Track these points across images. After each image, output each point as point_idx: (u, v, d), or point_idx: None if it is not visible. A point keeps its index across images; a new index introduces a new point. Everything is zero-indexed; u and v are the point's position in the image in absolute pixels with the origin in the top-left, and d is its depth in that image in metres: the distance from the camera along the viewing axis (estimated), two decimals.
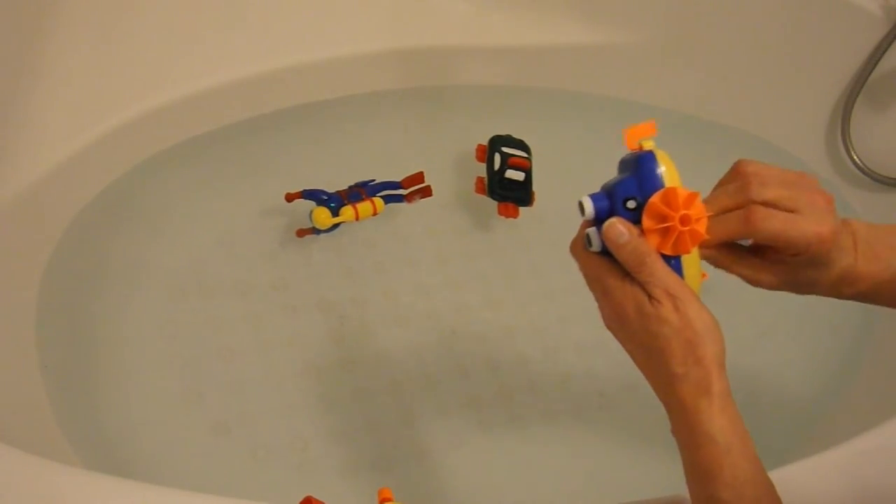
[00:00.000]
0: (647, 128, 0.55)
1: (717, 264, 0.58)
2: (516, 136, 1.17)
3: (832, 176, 1.29)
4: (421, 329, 1.09)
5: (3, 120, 0.96)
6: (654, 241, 0.53)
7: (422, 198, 1.14)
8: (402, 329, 1.09)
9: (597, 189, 0.56)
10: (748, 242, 0.59)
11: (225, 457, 0.95)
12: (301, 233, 1.09)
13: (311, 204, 1.07)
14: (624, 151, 0.57)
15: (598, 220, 0.55)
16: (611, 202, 0.55)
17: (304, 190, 1.07)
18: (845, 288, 0.57)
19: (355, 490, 0.95)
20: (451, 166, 1.21)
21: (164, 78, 1.06)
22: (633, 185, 0.54)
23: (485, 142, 1.17)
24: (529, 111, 1.29)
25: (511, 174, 1.12)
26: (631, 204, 0.54)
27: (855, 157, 1.23)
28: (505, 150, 1.13)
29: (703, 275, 0.56)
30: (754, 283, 0.58)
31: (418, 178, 1.14)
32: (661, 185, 0.53)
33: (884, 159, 1.23)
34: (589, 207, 0.54)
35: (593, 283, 0.56)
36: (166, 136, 1.10)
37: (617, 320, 0.55)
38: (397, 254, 1.15)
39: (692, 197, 0.53)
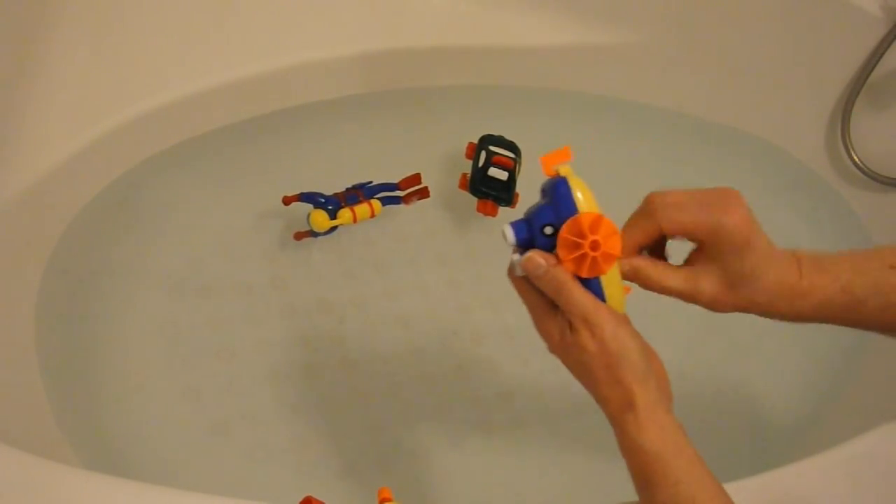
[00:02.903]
0: (561, 154, 0.58)
1: (647, 284, 0.59)
2: (516, 136, 1.17)
3: (832, 176, 1.29)
4: (421, 329, 1.09)
5: (3, 120, 0.96)
6: (570, 267, 0.56)
7: (419, 199, 1.14)
8: (402, 329, 1.09)
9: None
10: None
11: (225, 457, 0.95)
12: (299, 235, 1.09)
13: (308, 206, 1.07)
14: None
15: (522, 247, 0.58)
16: (530, 230, 0.57)
17: (302, 193, 1.07)
18: (797, 301, 0.57)
19: (355, 490, 0.95)
20: (449, 167, 1.21)
21: (164, 78, 1.06)
22: (548, 213, 0.57)
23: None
24: (528, 111, 1.29)
25: (494, 172, 1.12)
26: (548, 230, 0.57)
27: (855, 157, 1.23)
28: (492, 148, 1.14)
29: (627, 289, 0.58)
30: (693, 295, 0.58)
31: (415, 179, 1.14)
32: (574, 211, 0.55)
33: (884, 159, 1.22)
34: (510, 236, 0.58)
35: (528, 310, 0.61)
36: (166, 136, 1.10)
37: (550, 348, 0.59)
38: (397, 254, 1.15)
39: (598, 220, 0.55)
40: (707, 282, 0.57)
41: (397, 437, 1.01)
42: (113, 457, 0.91)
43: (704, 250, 0.57)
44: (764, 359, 1.13)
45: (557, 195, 0.56)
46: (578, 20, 1.25)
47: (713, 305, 0.58)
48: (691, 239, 0.58)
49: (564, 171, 0.57)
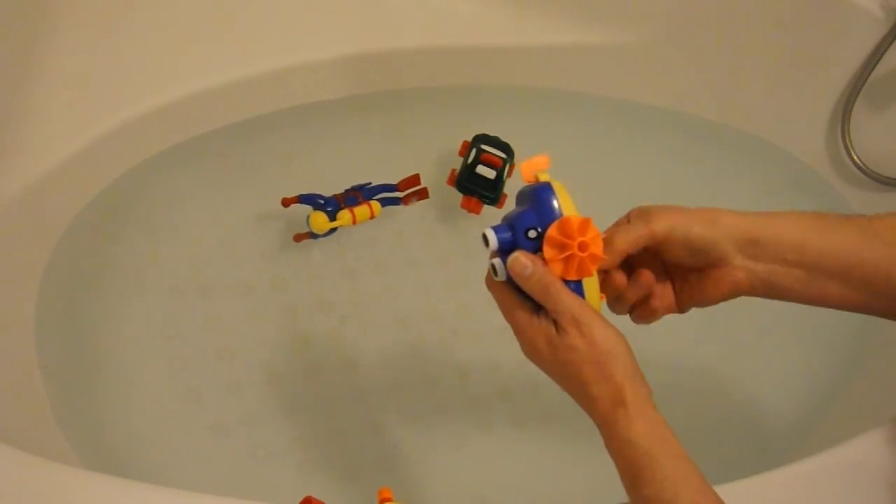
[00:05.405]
0: (541, 161, 0.60)
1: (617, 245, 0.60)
2: (515, 137, 1.17)
3: (832, 176, 1.29)
4: (421, 329, 1.09)
5: (3, 120, 0.96)
6: (557, 269, 0.57)
7: (419, 200, 1.14)
8: (402, 329, 1.09)
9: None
10: None
11: (225, 457, 0.95)
12: (298, 237, 1.08)
13: (308, 207, 1.07)
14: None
15: (503, 251, 0.59)
16: (513, 233, 0.58)
17: (301, 194, 1.06)
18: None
19: (355, 490, 0.95)
20: (449, 168, 1.21)
21: (164, 78, 1.06)
22: (532, 216, 0.58)
23: None
24: (527, 111, 1.29)
25: (481, 170, 1.12)
26: (532, 234, 0.58)
27: (855, 157, 1.23)
28: (483, 147, 1.13)
29: (602, 296, 0.60)
30: (651, 234, 0.61)
31: (414, 180, 1.14)
32: (559, 214, 0.57)
33: (884, 159, 1.23)
34: (493, 239, 0.59)
35: (507, 316, 0.61)
36: (166, 136, 1.10)
37: (532, 352, 0.60)
38: (397, 254, 1.15)
39: (586, 223, 0.56)
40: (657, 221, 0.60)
41: (397, 437, 1.01)
42: (113, 457, 0.91)
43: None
44: (764, 359, 1.13)
45: (541, 199, 0.57)
46: (578, 20, 1.25)
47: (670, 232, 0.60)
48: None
49: (544, 177, 0.59)
